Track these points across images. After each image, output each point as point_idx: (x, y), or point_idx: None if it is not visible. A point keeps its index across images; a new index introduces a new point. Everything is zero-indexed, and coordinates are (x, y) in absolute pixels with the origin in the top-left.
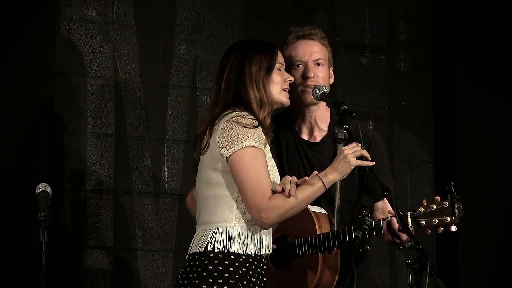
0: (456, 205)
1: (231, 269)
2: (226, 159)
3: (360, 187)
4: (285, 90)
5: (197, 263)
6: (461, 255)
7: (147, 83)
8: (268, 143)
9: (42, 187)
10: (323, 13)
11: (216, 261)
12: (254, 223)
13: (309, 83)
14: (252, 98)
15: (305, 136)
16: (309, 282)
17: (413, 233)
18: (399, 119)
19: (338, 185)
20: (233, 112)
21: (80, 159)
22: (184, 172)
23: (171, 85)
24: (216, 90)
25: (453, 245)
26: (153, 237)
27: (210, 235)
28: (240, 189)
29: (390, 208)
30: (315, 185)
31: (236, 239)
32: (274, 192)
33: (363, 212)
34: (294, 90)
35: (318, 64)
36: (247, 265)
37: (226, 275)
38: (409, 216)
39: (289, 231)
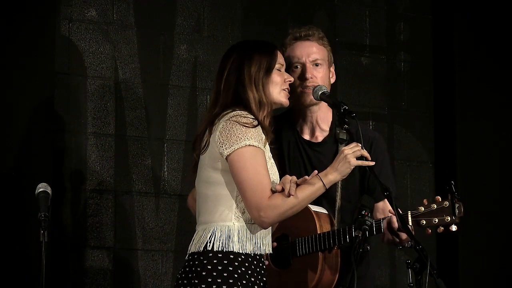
0: (457, 205)
1: (230, 268)
2: (226, 158)
3: (361, 187)
4: (285, 90)
5: (196, 262)
6: (461, 255)
7: (147, 83)
8: (267, 143)
9: (42, 187)
10: (323, 13)
11: (215, 261)
12: (253, 223)
13: (307, 84)
14: (251, 98)
15: (306, 137)
16: (309, 281)
17: (413, 233)
18: (399, 119)
19: (339, 185)
20: (232, 111)
21: (80, 159)
22: (184, 172)
23: (171, 85)
24: (216, 91)
25: (453, 245)
26: (153, 237)
27: (209, 235)
28: (240, 188)
29: (390, 208)
30: (315, 185)
31: (236, 238)
32: (274, 191)
33: (363, 212)
34: (293, 92)
35: (317, 65)
36: (246, 264)
37: (225, 274)
38: (409, 216)
39: (290, 230)
